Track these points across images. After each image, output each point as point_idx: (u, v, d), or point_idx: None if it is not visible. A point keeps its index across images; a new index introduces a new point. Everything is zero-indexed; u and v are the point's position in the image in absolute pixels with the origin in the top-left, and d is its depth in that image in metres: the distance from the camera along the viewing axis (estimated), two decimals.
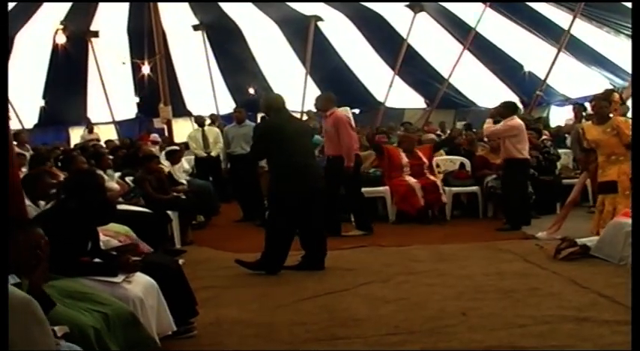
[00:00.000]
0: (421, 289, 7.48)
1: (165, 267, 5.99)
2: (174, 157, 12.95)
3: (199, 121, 15.32)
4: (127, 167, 12.00)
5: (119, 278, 5.19)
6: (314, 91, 22.26)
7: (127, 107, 26.61)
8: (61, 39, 22.65)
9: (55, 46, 23.36)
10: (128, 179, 10.89)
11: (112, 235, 7.08)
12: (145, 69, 21.83)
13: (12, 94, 15.21)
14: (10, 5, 17.91)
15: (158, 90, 19.63)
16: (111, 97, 25.88)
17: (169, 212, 9.91)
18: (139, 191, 10.11)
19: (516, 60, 23.11)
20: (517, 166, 10.92)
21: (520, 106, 18.58)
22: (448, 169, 12.93)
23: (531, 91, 22.90)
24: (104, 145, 18.43)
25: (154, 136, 21.72)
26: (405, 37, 23.54)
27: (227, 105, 25.19)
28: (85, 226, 5.61)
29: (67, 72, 24.09)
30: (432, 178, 12.05)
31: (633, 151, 8.23)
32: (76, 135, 25.19)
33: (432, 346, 5.61)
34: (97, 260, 5.50)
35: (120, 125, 26.65)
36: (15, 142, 11.33)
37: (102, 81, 25.28)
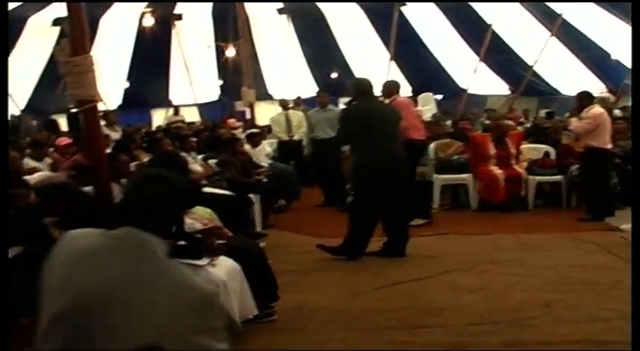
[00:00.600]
0: (504, 278, 7.41)
1: (248, 251, 6.02)
2: (254, 140, 13.01)
3: (283, 104, 15.30)
4: (210, 150, 12.08)
5: (203, 261, 5.22)
6: (397, 77, 22.11)
7: (210, 90, 26.78)
8: (149, 22, 22.93)
9: (140, 29, 23.65)
10: (211, 162, 10.95)
11: (195, 217, 7.12)
12: (230, 52, 21.95)
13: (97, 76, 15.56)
14: None
15: (241, 73, 19.72)
16: (194, 79, 26.06)
17: (251, 195, 9.95)
18: (223, 175, 10.16)
19: (603, 48, 22.65)
20: (597, 156, 10.68)
21: (608, 95, 18.21)
22: (532, 157, 12.72)
23: (618, 79, 22.41)
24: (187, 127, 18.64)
25: (233, 121, 21.89)
26: (490, 23, 23.25)
27: (309, 89, 25.22)
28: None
29: (151, 54, 24.40)
30: (517, 169, 11.87)
31: (633, 150, 8.00)
32: (159, 117, 25.55)
33: (515, 338, 5.55)
34: (181, 243, 5.55)
35: (202, 108, 26.82)
36: (103, 123, 11.56)
37: (185, 64, 25.48)
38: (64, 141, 12.27)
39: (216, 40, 23.97)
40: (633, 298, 2.70)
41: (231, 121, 20.84)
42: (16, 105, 22.36)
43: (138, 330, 2.65)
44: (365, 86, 8.68)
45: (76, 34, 6.49)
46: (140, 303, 2.67)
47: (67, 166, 9.05)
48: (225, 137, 11.94)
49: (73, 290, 2.72)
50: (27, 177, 7.97)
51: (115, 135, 14.41)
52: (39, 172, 9.18)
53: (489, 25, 23.27)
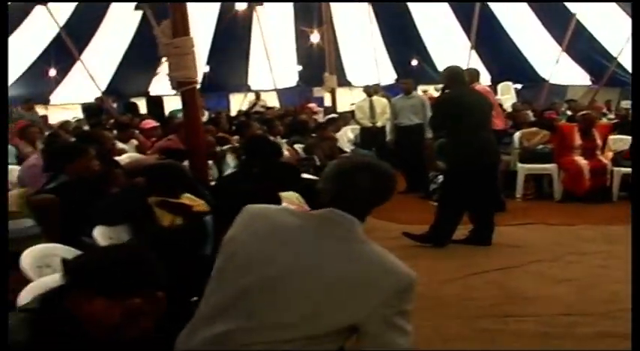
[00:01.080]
0: (591, 270, 7.36)
1: None
2: (335, 126, 13.05)
3: (368, 90, 15.26)
4: (295, 134, 12.17)
5: None
6: (476, 65, 21.91)
7: (288, 75, 26.93)
8: (241, 6, 23.10)
9: (222, 14, 23.82)
10: (297, 146, 11.03)
11: (286, 202, 7.22)
12: (315, 37, 22.01)
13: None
14: None
15: (322, 59, 19.80)
16: (273, 64, 26.21)
17: None
18: (310, 161, 10.21)
19: None
20: None
21: None
22: (618, 148, 12.54)
23: None
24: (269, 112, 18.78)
25: (314, 105, 21.97)
26: (574, 12, 22.88)
27: (388, 76, 25.19)
28: (268, 190, 5.76)
29: (231, 39, 24.58)
30: (602, 160, 11.71)
31: (633, 150, 7.82)
32: (237, 101, 25.77)
33: (609, 330, 5.52)
34: None
35: (281, 93, 26.98)
36: None
37: (265, 49, 25.64)
38: (149, 124, 12.47)
39: (297, 25, 24.06)
40: (633, 298, 2.74)
41: (312, 105, 20.96)
42: (97, 87, 22.72)
43: (341, 309, 2.74)
44: (457, 74, 8.65)
45: (177, 16, 6.64)
46: (342, 284, 2.75)
47: (157, 149, 9.22)
48: (317, 122, 11.98)
49: (269, 266, 2.82)
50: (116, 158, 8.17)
51: (203, 118, 14.57)
52: (126, 154, 9.38)
53: (573, 14, 22.91)
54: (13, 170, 8.59)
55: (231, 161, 8.91)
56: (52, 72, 21.87)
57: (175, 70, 6.71)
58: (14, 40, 20.18)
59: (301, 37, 23.75)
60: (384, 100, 14.83)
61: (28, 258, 4.16)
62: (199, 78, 23.01)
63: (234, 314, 2.80)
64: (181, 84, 6.78)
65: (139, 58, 23.04)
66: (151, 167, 5.62)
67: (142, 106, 23.56)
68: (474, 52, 24.73)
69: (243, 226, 2.98)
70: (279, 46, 25.72)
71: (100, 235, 5.00)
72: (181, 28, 6.69)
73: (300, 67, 26.14)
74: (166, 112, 21.15)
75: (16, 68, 21.44)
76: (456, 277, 7.14)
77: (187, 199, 5.22)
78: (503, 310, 6.08)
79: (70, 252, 4.44)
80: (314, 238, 2.86)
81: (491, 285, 6.85)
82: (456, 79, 8.57)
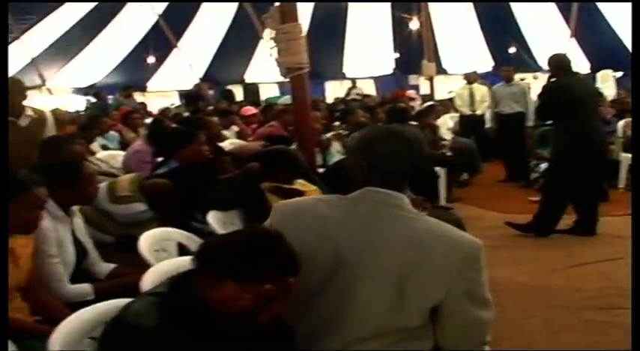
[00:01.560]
0: None
1: (449, 222, 6.04)
2: (434, 114, 12.94)
3: (468, 78, 15.04)
4: (394, 122, 12.08)
5: None
6: (576, 53, 21.49)
7: (384, 63, 26.81)
8: None
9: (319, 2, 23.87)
10: None
11: None
12: (414, 24, 21.86)
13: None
14: None
15: (419, 46, 19.65)
16: (370, 52, 26.08)
17: (437, 168, 9.93)
18: None
19: None
20: None
21: None
22: None
23: None
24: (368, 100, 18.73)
25: (411, 92, 21.82)
26: None
27: (485, 64, 24.87)
28: None
29: (327, 26, 24.52)
30: None
31: (633, 150, 7.46)
32: (332, 89, 25.77)
33: None
34: None
35: (377, 81, 26.86)
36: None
37: (361, 36, 25.51)
38: (250, 111, 12.57)
39: (394, 12, 23.92)
40: (633, 298, 2.63)
41: (411, 92, 20.84)
42: (194, 74, 22.99)
43: (420, 291, 2.65)
44: (564, 62, 8.47)
45: (286, 2, 6.66)
46: (413, 266, 2.65)
47: (260, 136, 9.29)
48: (420, 110, 11.88)
49: (327, 261, 2.74)
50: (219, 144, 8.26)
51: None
52: (227, 140, 9.48)
53: None
54: (117, 155, 8.78)
55: (336, 148, 8.95)
56: (151, 59, 22.22)
57: (285, 56, 6.75)
58: (112, 28, 20.54)
59: (399, 24, 23.54)
60: (484, 88, 14.63)
61: (145, 242, 4.23)
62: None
63: (316, 318, 2.77)
64: (290, 70, 6.80)
65: (235, 45, 23.28)
66: (265, 153, 5.65)
67: (238, 93, 23.81)
68: (573, 40, 24.22)
69: (283, 226, 2.78)
70: (375, 34, 25.57)
71: (214, 219, 5.04)
72: (290, 13, 6.73)
73: (397, 55, 25.94)
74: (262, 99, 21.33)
75: (114, 56, 21.85)
76: (560, 268, 7.03)
77: (300, 185, 5.24)
78: (611, 302, 5.95)
79: (184, 236, 4.53)
80: (366, 223, 2.75)
81: (597, 276, 6.71)
82: (563, 67, 8.39)
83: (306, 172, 5.66)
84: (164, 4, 21.80)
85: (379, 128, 3.14)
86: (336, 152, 8.85)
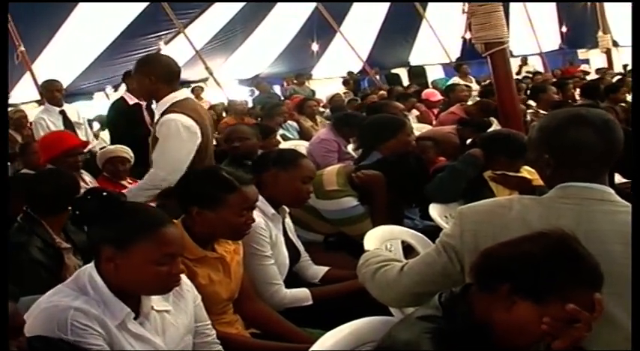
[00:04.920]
0: None
1: None
2: (626, 87, 12.12)
3: None
4: (586, 98, 11.36)
5: None
6: None
7: (551, 38, 25.83)
8: None
9: None
10: None
11: None
12: None
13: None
14: None
15: (588, 19, 18.71)
16: (536, 27, 25.09)
17: None
18: None
19: None
20: None
21: None
22: None
23: None
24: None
25: (585, 67, 20.88)
26: None
27: None
28: None
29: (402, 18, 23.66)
30: None
31: (633, 150, 6.27)
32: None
33: None
34: None
35: (544, 56, 25.82)
36: None
37: (527, 11, 24.54)
38: (434, 96, 12.06)
39: None
40: (633, 298, 2.10)
41: (584, 66, 19.94)
42: (360, 59, 22.67)
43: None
44: None
45: None
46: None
47: (449, 121, 8.79)
48: (608, 85, 11.10)
49: None
50: None
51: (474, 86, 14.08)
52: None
53: None
54: (299, 146, 8.44)
55: None
56: (315, 46, 22.03)
57: (482, 31, 6.23)
58: (272, 18, 20.49)
59: None
60: None
61: (370, 241, 3.81)
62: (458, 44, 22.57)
63: None
64: (488, 46, 6.27)
65: (397, 28, 22.83)
66: (487, 138, 5.15)
67: (403, 76, 23.42)
68: None
69: (481, 235, 2.46)
70: (539, 7, 24.60)
71: (436, 213, 4.69)
72: None
73: (565, 29, 24.94)
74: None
75: (276, 45, 21.80)
76: None
77: (526, 171, 4.72)
78: None
79: (410, 235, 4.09)
80: (575, 225, 2.30)
81: None
82: None
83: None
84: None
85: (559, 115, 2.61)
86: None
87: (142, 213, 2.75)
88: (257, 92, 18.22)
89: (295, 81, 18.87)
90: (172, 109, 4.60)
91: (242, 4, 19.15)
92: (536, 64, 24.05)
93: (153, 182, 4.54)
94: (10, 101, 15.52)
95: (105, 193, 2.75)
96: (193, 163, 4.51)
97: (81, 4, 15.15)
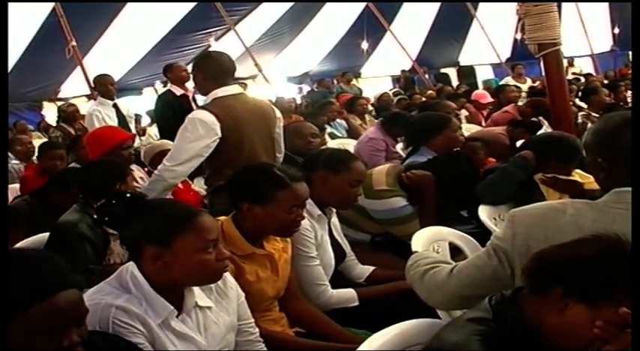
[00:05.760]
0: None
1: None
2: None
3: None
4: None
5: None
6: None
7: (603, 39, 25.56)
8: None
9: None
10: None
11: None
12: None
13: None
14: None
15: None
16: (586, 28, 24.80)
17: None
18: None
19: None
20: None
21: None
22: None
23: None
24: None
25: None
26: None
27: None
28: None
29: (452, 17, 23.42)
30: None
31: (633, 150, 5.98)
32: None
33: None
34: None
35: (596, 58, 25.52)
36: None
37: (579, 12, 24.28)
38: (484, 97, 11.95)
39: None
40: (633, 298, 1.98)
41: None
42: (410, 58, 22.58)
43: None
44: None
45: None
46: None
47: (499, 121, 8.70)
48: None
49: None
50: None
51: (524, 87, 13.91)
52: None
53: None
54: (347, 144, 8.41)
55: None
56: (364, 44, 21.97)
57: (535, 31, 6.15)
58: (322, 16, 20.48)
59: None
60: None
61: (418, 241, 3.77)
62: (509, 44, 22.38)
63: None
64: (542, 47, 6.19)
65: (447, 27, 22.72)
66: (539, 140, 5.09)
67: (452, 76, 23.33)
68: None
69: (534, 239, 2.41)
70: (594, 9, 24.35)
71: (485, 215, 4.65)
72: None
73: (617, 30, 24.63)
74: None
75: (326, 43, 21.80)
76: None
77: (578, 175, 4.66)
78: None
79: (458, 236, 4.05)
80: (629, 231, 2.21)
81: None
82: None
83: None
84: None
85: (614, 118, 2.55)
86: None
87: (172, 207, 2.78)
88: (306, 89, 18.18)
89: (343, 79, 18.82)
90: (206, 105, 4.75)
91: (292, 3, 19.18)
92: (584, 66, 23.80)
93: (159, 172, 4.71)
94: (61, 95, 15.74)
95: (128, 195, 2.77)
96: (226, 157, 4.62)
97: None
